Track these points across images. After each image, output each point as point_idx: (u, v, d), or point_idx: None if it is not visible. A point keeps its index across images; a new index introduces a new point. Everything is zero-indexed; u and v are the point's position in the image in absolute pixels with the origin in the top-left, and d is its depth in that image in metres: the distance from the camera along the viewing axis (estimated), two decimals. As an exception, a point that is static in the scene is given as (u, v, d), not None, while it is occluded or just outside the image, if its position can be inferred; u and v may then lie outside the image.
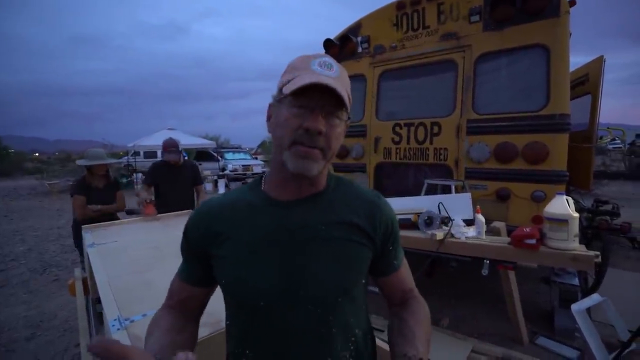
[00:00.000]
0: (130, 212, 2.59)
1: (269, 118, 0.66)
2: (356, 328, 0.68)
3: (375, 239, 0.68)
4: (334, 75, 0.60)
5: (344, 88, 0.60)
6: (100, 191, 2.83)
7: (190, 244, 0.69)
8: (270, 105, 0.66)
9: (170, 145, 2.82)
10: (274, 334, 0.62)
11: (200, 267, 0.68)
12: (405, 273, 0.76)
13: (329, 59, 0.62)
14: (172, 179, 2.67)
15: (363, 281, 0.69)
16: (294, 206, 0.65)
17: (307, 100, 0.58)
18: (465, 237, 2.17)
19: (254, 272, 0.62)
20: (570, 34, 2.59)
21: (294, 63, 0.62)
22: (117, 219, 2.76)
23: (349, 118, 0.65)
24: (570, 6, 2.51)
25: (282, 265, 0.62)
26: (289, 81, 0.59)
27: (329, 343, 0.62)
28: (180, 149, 2.90)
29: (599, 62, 3.48)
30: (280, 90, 0.61)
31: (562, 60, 2.50)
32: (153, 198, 2.57)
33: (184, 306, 0.72)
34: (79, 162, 2.87)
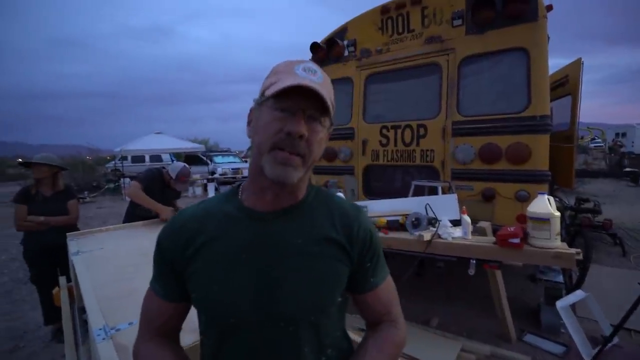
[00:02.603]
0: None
1: (249, 122, 0.64)
2: (329, 347, 0.66)
3: (352, 253, 0.65)
4: (318, 80, 0.58)
5: (327, 93, 0.58)
6: (46, 200, 2.55)
7: (165, 256, 0.65)
8: (252, 110, 0.64)
9: (187, 175, 2.76)
10: (245, 352, 0.61)
11: (178, 281, 0.65)
12: (384, 294, 0.71)
13: (313, 65, 0.60)
14: (162, 194, 2.68)
15: (340, 299, 0.65)
16: (271, 219, 0.63)
17: (290, 104, 0.56)
18: (452, 238, 2.21)
19: (226, 288, 0.60)
20: (549, 38, 2.67)
21: (277, 67, 0.61)
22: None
23: (331, 125, 0.63)
24: (548, 11, 2.59)
25: (256, 282, 0.60)
26: (271, 84, 0.57)
27: None
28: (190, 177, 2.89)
29: (578, 64, 3.59)
30: (262, 93, 0.60)
31: (541, 63, 2.58)
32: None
33: (168, 328, 0.69)
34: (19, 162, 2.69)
